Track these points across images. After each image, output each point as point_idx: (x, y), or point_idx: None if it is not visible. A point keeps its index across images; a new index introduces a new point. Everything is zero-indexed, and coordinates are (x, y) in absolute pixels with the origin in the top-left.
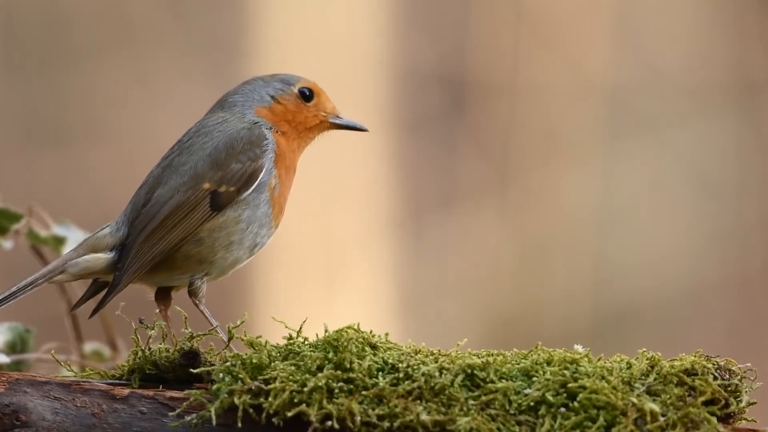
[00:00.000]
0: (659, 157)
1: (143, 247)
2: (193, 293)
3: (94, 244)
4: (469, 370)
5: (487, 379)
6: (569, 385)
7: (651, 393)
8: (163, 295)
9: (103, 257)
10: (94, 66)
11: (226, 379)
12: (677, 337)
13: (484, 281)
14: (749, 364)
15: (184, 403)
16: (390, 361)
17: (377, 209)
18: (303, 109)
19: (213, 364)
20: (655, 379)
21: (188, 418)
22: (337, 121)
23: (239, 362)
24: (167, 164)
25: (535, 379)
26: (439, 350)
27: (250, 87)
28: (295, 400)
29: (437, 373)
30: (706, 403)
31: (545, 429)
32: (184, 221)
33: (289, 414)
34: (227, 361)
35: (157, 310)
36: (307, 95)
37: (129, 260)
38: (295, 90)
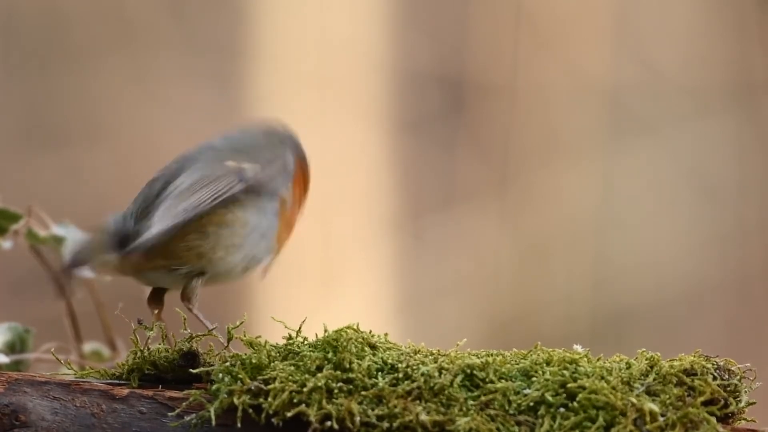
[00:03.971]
0: (659, 158)
1: (174, 201)
2: (186, 297)
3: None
4: (468, 371)
5: (487, 380)
6: (568, 385)
7: (650, 393)
8: (155, 300)
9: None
10: (94, 66)
11: (226, 379)
12: (677, 337)
13: (484, 281)
14: (749, 364)
15: (184, 404)
16: (389, 361)
17: (377, 209)
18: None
19: (212, 365)
20: (654, 379)
21: (188, 419)
22: None
23: (238, 362)
24: (184, 158)
25: (534, 379)
26: (439, 350)
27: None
28: (295, 401)
29: (436, 374)
30: (705, 404)
31: (544, 429)
32: (213, 184)
33: (289, 414)
34: (226, 361)
35: (156, 311)
36: None
37: (158, 214)
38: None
